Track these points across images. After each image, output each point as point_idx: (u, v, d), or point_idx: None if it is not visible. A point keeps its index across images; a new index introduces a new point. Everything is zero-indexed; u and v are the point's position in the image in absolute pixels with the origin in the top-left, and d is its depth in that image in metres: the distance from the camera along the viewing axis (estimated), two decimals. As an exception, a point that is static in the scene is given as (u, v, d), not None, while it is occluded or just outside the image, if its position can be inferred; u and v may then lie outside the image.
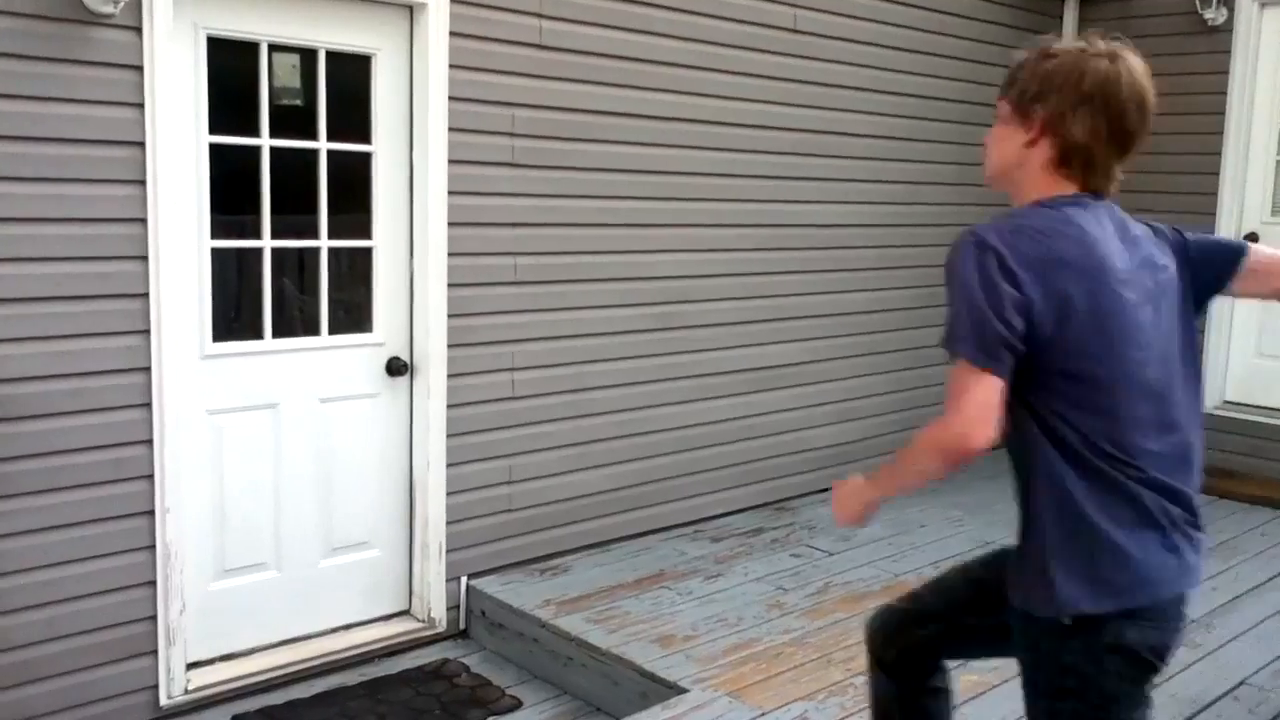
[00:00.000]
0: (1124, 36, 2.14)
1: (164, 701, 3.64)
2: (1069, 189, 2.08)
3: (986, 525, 5.36)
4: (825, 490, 5.81)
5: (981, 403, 1.90)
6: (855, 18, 5.56)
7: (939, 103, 6.11)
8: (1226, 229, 6.34)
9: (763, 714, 3.46)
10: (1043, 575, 2.03)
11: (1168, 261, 2.12)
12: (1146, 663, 2.05)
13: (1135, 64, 2.08)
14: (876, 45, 5.70)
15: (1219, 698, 3.65)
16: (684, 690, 3.59)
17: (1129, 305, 2.00)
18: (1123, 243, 2.06)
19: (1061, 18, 6.78)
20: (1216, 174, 6.36)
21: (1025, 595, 2.09)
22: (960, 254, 1.96)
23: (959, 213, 6.36)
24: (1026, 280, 1.92)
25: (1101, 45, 2.08)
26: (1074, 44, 2.10)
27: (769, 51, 5.20)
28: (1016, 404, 1.99)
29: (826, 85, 5.49)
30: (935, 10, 5.98)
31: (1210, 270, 2.20)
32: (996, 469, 6.38)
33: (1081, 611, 2.00)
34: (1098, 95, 2.04)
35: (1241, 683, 3.75)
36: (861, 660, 3.79)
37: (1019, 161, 2.13)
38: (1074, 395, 1.97)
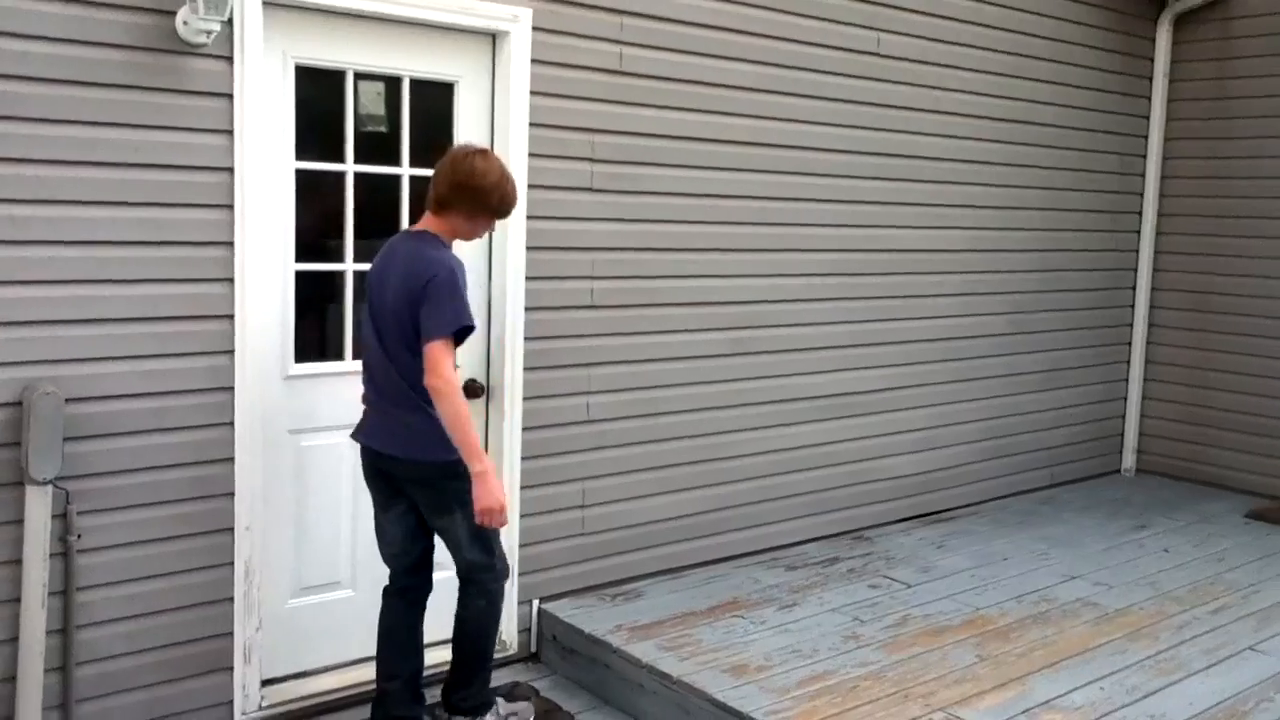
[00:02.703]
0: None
1: (239, 717, 3.69)
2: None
3: (1074, 559, 5.21)
4: (906, 520, 5.71)
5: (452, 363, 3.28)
6: (940, 41, 5.49)
7: (1027, 126, 6.00)
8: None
9: (837, 749, 3.40)
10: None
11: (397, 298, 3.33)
12: None
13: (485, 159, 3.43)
14: (962, 69, 5.62)
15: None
16: (756, 722, 3.54)
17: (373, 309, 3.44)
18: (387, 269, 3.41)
19: (1154, 40, 6.61)
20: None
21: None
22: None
23: (1049, 238, 6.25)
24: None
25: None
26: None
27: (851, 75, 5.15)
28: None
29: (911, 109, 5.42)
30: (1022, 33, 5.89)
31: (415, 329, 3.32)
32: (1087, 502, 6.21)
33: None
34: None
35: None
36: (943, 695, 3.71)
37: None
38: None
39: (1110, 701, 3.73)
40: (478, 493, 3.28)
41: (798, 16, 4.90)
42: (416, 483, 3.45)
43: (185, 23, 3.33)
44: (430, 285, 3.25)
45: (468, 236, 3.51)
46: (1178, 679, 3.93)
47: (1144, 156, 6.72)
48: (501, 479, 4.23)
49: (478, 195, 3.38)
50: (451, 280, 3.27)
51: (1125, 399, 6.92)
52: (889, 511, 5.66)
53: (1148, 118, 6.68)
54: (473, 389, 4.19)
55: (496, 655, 4.25)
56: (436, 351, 3.22)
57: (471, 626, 3.62)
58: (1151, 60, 6.63)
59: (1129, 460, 6.95)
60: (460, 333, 3.28)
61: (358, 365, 3.93)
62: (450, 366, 3.25)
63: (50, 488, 3.20)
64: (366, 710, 3.88)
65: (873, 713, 3.60)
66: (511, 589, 4.29)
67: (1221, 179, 6.53)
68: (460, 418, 3.23)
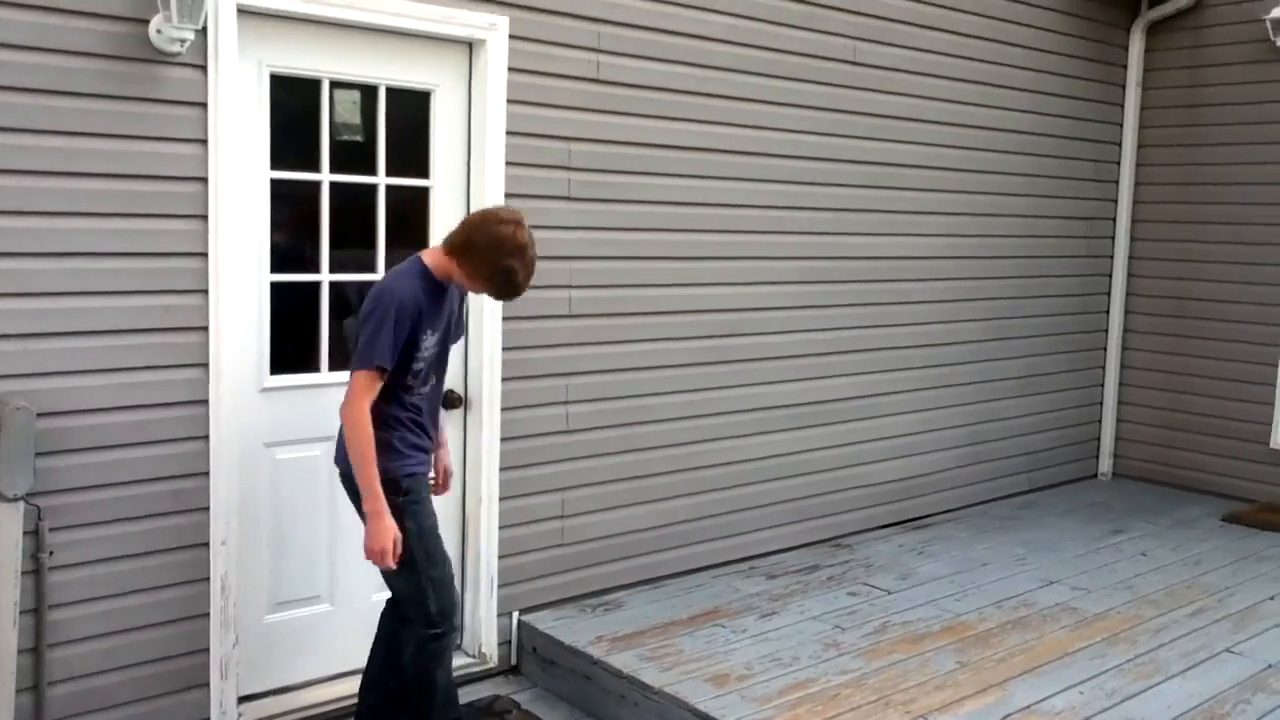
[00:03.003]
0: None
1: (217, 734, 3.66)
2: None
3: (1053, 564, 5.22)
4: (886, 526, 5.72)
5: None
6: (916, 49, 5.51)
7: (1003, 134, 6.03)
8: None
9: (819, 759, 3.39)
10: None
11: None
12: None
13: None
14: (937, 77, 5.64)
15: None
16: (738, 732, 3.53)
17: None
18: None
19: (1127, 48, 6.66)
20: (1290, 204, 6.20)
21: None
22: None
23: (1023, 244, 6.28)
24: None
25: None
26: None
27: (828, 84, 5.17)
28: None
29: (887, 117, 5.44)
30: (997, 41, 5.92)
31: None
32: (1065, 507, 6.22)
33: None
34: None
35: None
36: (923, 702, 3.71)
37: None
38: None
39: (1090, 706, 3.74)
40: (366, 532, 3.23)
41: (775, 25, 4.91)
42: (348, 493, 3.40)
43: (159, 31, 3.30)
44: (370, 314, 3.21)
45: (465, 289, 3.44)
46: (1156, 682, 3.95)
47: (1118, 163, 6.77)
48: (480, 490, 4.20)
49: (486, 265, 3.25)
50: (384, 313, 3.18)
51: (1101, 404, 6.96)
52: (869, 518, 5.67)
53: (1121, 125, 6.73)
54: (451, 400, 4.16)
55: (476, 669, 4.24)
56: (354, 383, 3.21)
57: (406, 671, 3.47)
58: (1125, 68, 6.68)
59: (1106, 465, 6.99)
60: (383, 369, 3.19)
61: (334, 377, 3.92)
62: (364, 400, 3.18)
63: (21, 504, 3.15)
64: (345, 725, 3.86)
65: (854, 721, 3.61)
66: (491, 601, 4.26)
67: (1194, 185, 6.58)
68: (360, 453, 3.18)
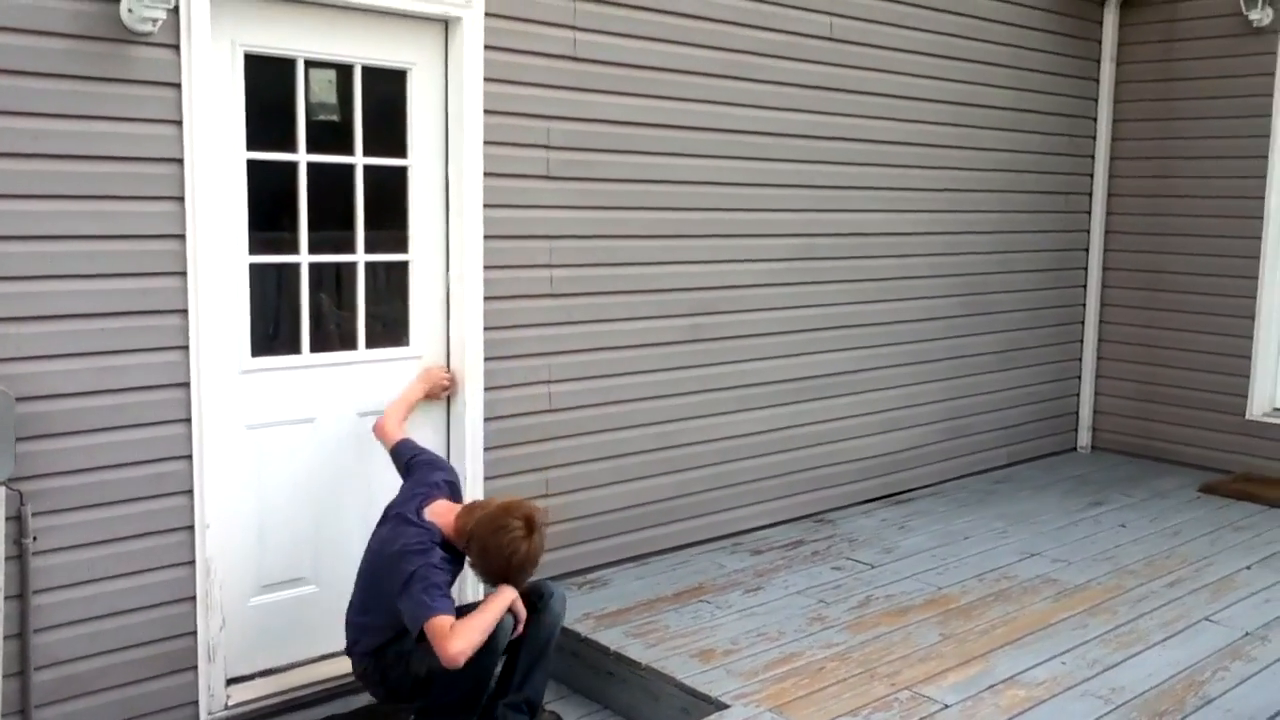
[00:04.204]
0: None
1: (204, 717, 3.64)
2: None
3: (1033, 536, 5.27)
4: (868, 501, 5.76)
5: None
6: (892, 25, 5.51)
7: (982, 110, 6.04)
8: (1274, 233, 6.23)
9: (806, 730, 3.41)
10: None
11: None
12: None
13: None
14: (915, 52, 5.65)
15: (1277, 713, 3.55)
16: (725, 705, 3.54)
17: None
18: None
19: (1101, 22, 6.68)
20: (1263, 177, 6.23)
21: None
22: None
23: (1004, 220, 6.32)
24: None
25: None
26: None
27: (806, 60, 5.16)
28: None
29: (865, 93, 5.44)
30: (973, 16, 5.92)
31: None
32: (1044, 480, 6.27)
33: None
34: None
35: (1300, 698, 3.65)
36: (908, 674, 3.74)
37: None
38: None
39: (1072, 676, 3.78)
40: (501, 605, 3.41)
41: (753, 0, 4.90)
42: (366, 683, 3.62)
43: (130, 10, 3.26)
44: (411, 581, 3.30)
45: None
46: (1137, 651, 3.99)
47: (1093, 138, 6.80)
48: (464, 470, 4.20)
49: (490, 567, 3.39)
50: (426, 575, 3.30)
51: (1079, 378, 7.01)
52: (851, 494, 5.70)
53: (1096, 100, 6.76)
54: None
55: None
56: (436, 632, 3.22)
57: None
58: (1099, 42, 6.70)
59: (1084, 438, 7.05)
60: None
61: (315, 359, 3.91)
62: (455, 641, 3.21)
63: (3, 489, 3.13)
64: (334, 705, 3.86)
65: (839, 693, 3.63)
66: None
67: (1168, 159, 6.62)
68: (485, 630, 3.32)
